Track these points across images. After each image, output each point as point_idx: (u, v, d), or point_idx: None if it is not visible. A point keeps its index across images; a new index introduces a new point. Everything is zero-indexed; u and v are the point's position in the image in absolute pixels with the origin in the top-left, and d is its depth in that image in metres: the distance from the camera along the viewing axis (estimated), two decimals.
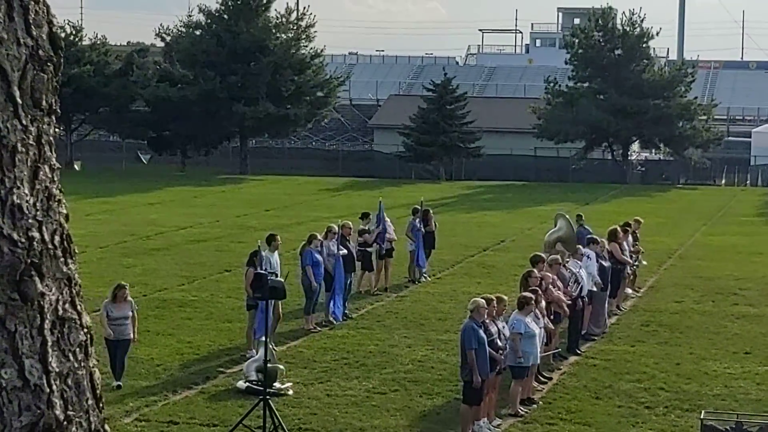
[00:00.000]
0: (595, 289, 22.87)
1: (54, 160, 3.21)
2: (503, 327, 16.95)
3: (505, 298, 17.62)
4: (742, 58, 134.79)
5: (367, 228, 27.94)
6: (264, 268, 18.97)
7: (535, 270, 19.78)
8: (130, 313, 19.01)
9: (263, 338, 19.01)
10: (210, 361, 20.73)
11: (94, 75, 72.30)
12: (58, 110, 3.22)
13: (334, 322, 23.84)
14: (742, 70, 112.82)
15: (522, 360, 17.29)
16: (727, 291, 28.71)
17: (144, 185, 59.45)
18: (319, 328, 23.39)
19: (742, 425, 14.48)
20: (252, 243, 25.24)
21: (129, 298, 19.18)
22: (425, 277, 29.84)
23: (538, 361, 18.28)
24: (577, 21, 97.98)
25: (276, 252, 22.29)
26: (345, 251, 24.53)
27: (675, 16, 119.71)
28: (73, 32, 75.84)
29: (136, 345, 19.79)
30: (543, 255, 21.45)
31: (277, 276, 18.59)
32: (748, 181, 73.88)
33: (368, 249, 27.52)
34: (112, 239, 36.97)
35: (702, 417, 14.98)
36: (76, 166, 73.02)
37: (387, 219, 29.00)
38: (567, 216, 24.50)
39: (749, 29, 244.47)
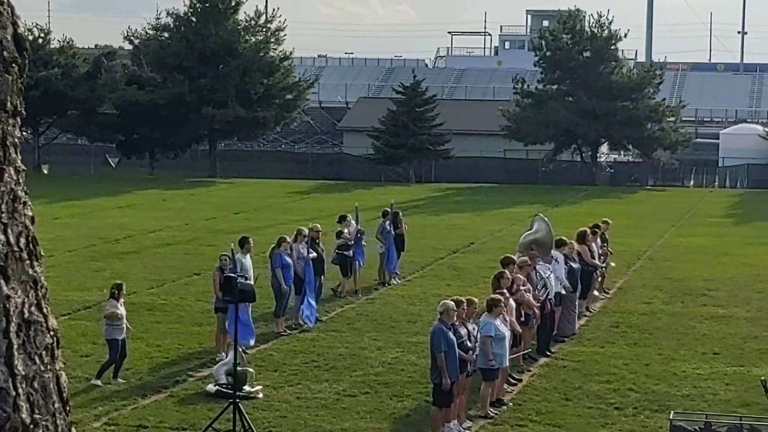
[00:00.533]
0: (563, 292, 22.90)
1: (19, 162, 3.19)
2: (473, 329, 16.93)
3: (475, 300, 17.60)
4: (710, 59, 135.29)
5: (344, 231, 27.93)
6: (235, 271, 18.96)
7: (506, 271, 19.79)
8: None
9: (252, 341, 19.30)
10: (179, 365, 20.66)
11: (62, 78, 71.90)
12: (24, 112, 3.20)
13: (304, 325, 23.75)
14: (710, 72, 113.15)
15: (494, 363, 17.29)
16: (695, 292, 28.83)
17: (113, 189, 59.16)
18: (288, 331, 23.35)
19: (711, 425, 14.53)
20: (222, 246, 25.19)
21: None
22: (395, 280, 29.84)
23: (508, 363, 18.30)
24: (545, 23, 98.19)
25: (248, 255, 22.31)
26: (314, 254, 24.50)
27: (643, 18, 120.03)
28: (41, 35, 75.51)
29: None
30: (513, 257, 21.43)
31: (246, 279, 18.57)
32: (716, 183, 74.32)
33: (346, 253, 27.45)
34: (81, 243, 36.79)
35: (671, 417, 15.02)
36: (44, 170, 72.59)
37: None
38: (546, 219, 24.39)
39: (717, 31, 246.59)
